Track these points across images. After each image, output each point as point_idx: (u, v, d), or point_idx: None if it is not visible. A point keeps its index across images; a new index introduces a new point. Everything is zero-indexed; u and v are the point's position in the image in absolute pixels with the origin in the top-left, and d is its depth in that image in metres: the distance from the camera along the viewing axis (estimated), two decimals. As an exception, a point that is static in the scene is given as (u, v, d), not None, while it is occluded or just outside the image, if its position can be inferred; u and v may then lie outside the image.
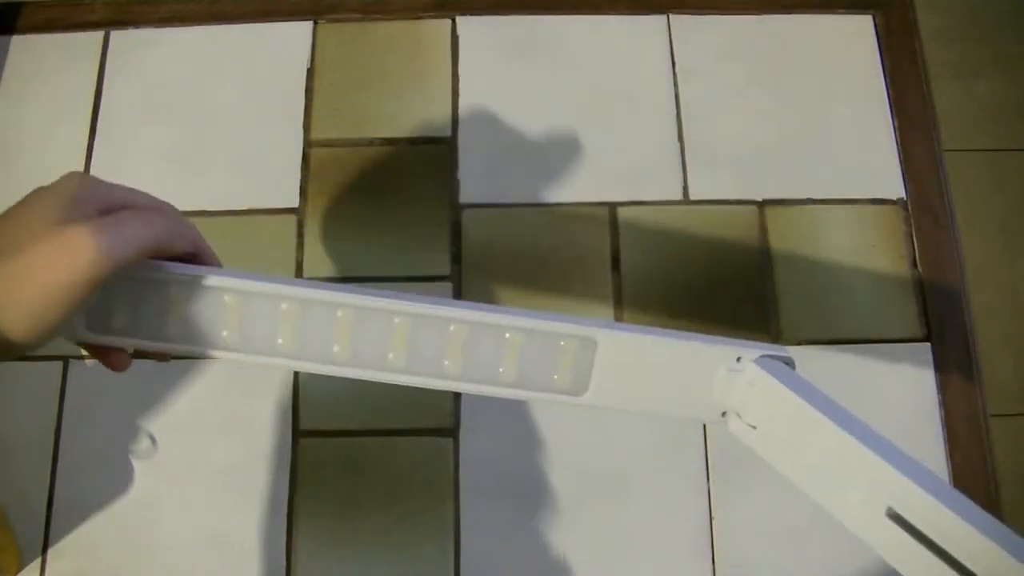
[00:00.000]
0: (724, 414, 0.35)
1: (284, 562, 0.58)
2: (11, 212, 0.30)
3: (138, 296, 0.34)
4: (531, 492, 0.60)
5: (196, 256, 0.35)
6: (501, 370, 0.35)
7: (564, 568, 0.58)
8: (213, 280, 0.34)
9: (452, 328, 0.35)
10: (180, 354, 0.35)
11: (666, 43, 0.70)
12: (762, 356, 0.34)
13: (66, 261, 0.29)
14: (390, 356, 0.35)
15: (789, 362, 0.34)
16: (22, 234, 0.29)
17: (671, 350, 0.35)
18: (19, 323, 0.29)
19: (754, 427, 0.34)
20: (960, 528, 0.26)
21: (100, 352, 0.36)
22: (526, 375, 0.36)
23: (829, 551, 0.58)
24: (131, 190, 0.33)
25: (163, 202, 0.33)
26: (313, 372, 0.35)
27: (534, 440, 0.61)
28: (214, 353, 0.35)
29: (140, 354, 0.36)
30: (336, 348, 0.35)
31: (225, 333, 0.35)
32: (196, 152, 0.67)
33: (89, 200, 0.31)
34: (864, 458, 0.29)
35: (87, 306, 0.31)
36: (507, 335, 0.35)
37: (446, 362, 0.35)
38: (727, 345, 0.34)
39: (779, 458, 0.33)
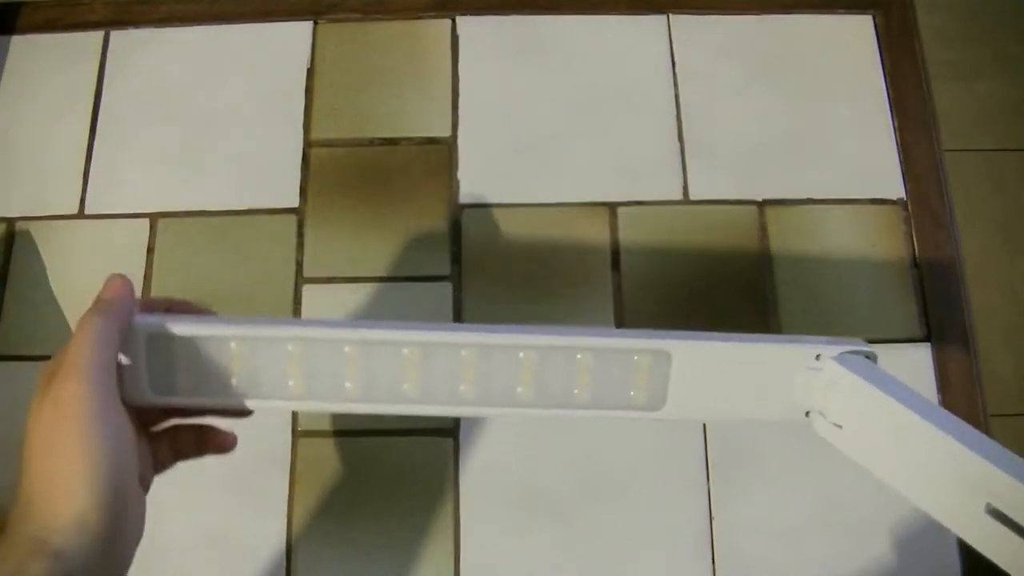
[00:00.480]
0: (808, 414, 0.35)
1: (284, 562, 0.58)
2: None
3: (203, 354, 0.34)
4: (531, 492, 0.60)
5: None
6: (576, 392, 0.35)
7: (564, 568, 0.58)
8: (278, 331, 0.34)
9: (522, 355, 0.34)
10: (247, 408, 0.36)
11: (666, 43, 0.70)
12: (842, 352, 0.33)
13: (63, 415, 0.30)
14: (462, 388, 0.35)
15: (871, 356, 0.33)
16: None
17: (747, 354, 0.34)
18: (71, 490, 0.29)
19: (840, 426, 0.33)
20: None
21: (208, 438, 0.38)
22: (601, 395, 0.35)
23: (829, 551, 0.58)
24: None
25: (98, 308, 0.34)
26: (397, 413, 0.35)
27: (534, 440, 0.61)
28: (282, 405, 0.35)
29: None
30: (405, 386, 0.35)
31: (291, 383, 0.35)
32: (196, 152, 0.67)
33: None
34: (959, 454, 0.28)
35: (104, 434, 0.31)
36: (578, 356, 0.34)
37: (519, 390, 0.35)
38: (805, 344, 0.34)
39: (868, 457, 0.32)
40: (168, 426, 0.39)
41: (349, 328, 0.34)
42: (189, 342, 0.34)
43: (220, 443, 0.39)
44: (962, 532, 0.29)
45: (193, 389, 0.35)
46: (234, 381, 0.35)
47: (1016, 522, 0.27)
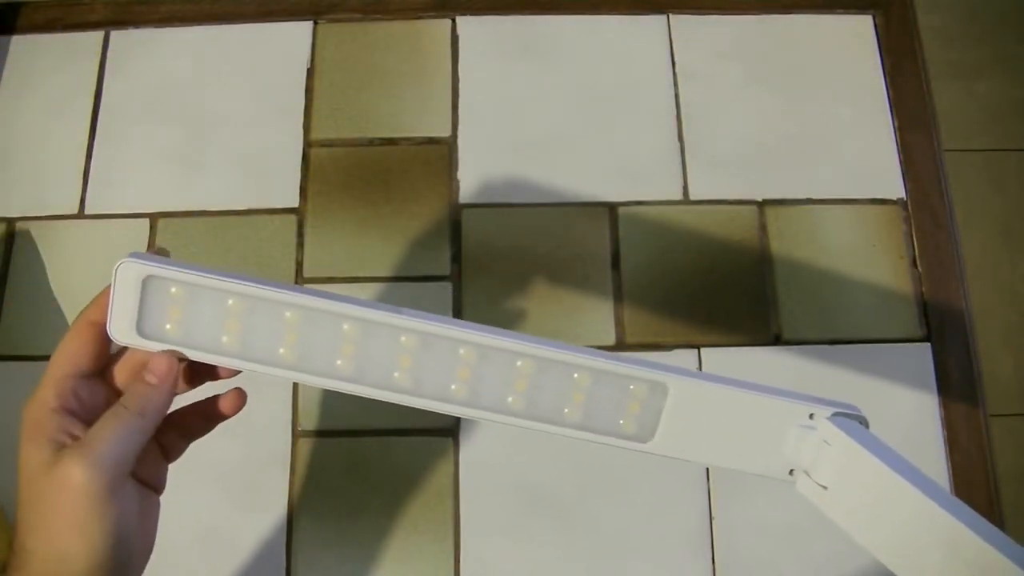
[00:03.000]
0: (792, 472, 0.34)
1: (284, 562, 0.58)
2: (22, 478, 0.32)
3: (197, 306, 0.34)
4: (531, 492, 0.60)
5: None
6: (566, 411, 0.34)
7: (564, 568, 0.58)
8: (278, 295, 0.33)
9: (519, 363, 0.34)
10: (233, 368, 0.35)
11: (666, 43, 0.70)
12: (835, 414, 0.33)
13: (68, 499, 0.30)
14: (453, 388, 0.34)
15: (863, 421, 0.33)
16: (33, 497, 0.31)
17: (742, 402, 0.34)
18: (80, 540, 0.30)
19: (824, 487, 0.33)
20: None
21: (214, 408, 0.38)
22: (592, 418, 0.35)
23: (829, 551, 0.58)
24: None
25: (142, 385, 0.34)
26: (383, 400, 0.35)
27: (534, 440, 0.61)
28: (268, 371, 0.34)
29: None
30: (396, 374, 0.34)
31: (282, 351, 0.34)
32: (196, 152, 0.67)
33: (48, 422, 0.32)
34: (944, 523, 0.28)
35: (121, 496, 0.31)
36: (575, 375, 0.34)
37: (510, 399, 0.34)
38: (800, 401, 0.33)
39: (850, 520, 0.32)
40: (169, 414, 0.39)
41: (351, 305, 0.34)
42: (186, 290, 0.33)
43: (229, 407, 0.38)
44: None
45: (181, 339, 0.34)
46: (224, 338, 0.34)
47: None
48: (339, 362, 0.34)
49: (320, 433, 0.61)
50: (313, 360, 0.34)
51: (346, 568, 0.58)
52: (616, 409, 0.35)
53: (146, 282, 0.33)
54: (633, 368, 0.34)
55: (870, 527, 0.32)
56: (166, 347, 0.34)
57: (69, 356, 0.33)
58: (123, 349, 0.35)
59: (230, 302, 0.33)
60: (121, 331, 0.34)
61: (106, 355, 0.35)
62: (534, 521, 0.59)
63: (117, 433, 0.31)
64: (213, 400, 0.38)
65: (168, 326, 0.34)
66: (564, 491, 0.60)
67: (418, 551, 0.58)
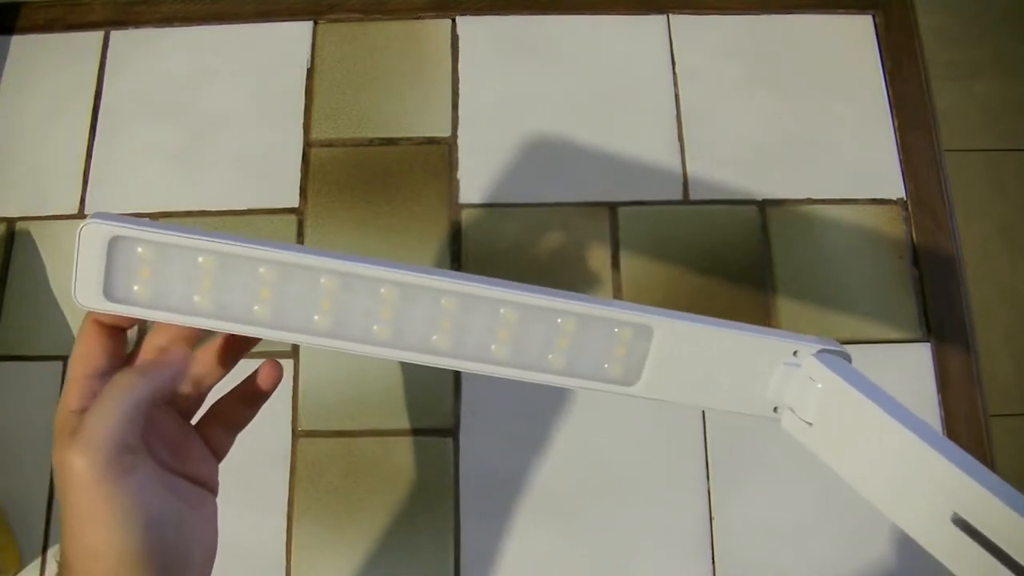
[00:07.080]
0: (776, 409, 0.34)
1: (284, 562, 0.58)
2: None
3: (166, 265, 0.32)
4: (531, 492, 0.60)
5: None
6: (550, 357, 0.34)
7: (563, 568, 0.58)
8: (250, 252, 0.32)
9: (502, 311, 0.33)
10: (208, 328, 0.33)
11: (666, 43, 0.70)
12: (821, 351, 0.33)
13: (75, 491, 0.29)
14: (434, 339, 0.33)
15: (847, 357, 0.33)
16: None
17: (727, 341, 0.34)
18: (102, 532, 0.29)
19: (810, 424, 0.33)
20: None
21: (253, 388, 0.37)
22: (576, 363, 0.34)
23: (829, 551, 0.59)
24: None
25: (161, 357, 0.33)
26: (361, 354, 0.33)
27: (534, 440, 0.61)
28: (246, 329, 0.33)
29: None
30: (376, 327, 0.33)
31: (256, 308, 0.33)
32: (196, 152, 0.67)
33: (69, 423, 0.31)
34: (929, 460, 0.28)
35: (135, 469, 0.30)
36: (559, 320, 0.33)
37: (493, 347, 0.34)
38: (784, 338, 0.33)
39: (835, 457, 0.32)
40: (209, 408, 0.38)
41: (328, 258, 0.32)
42: (153, 249, 0.32)
43: (264, 379, 0.37)
44: (924, 540, 0.28)
45: (151, 300, 0.33)
46: (196, 298, 0.32)
47: (980, 532, 0.26)
48: (316, 318, 0.33)
49: (320, 433, 0.61)
50: (291, 317, 0.33)
51: (346, 568, 0.58)
52: (601, 353, 0.34)
53: (112, 243, 0.32)
54: (618, 311, 0.33)
55: (855, 463, 0.31)
56: (134, 310, 0.33)
57: (82, 357, 0.33)
58: (140, 339, 0.34)
59: (200, 260, 0.32)
60: (87, 296, 0.32)
61: (121, 350, 0.34)
62: (534, 521, 0.59)
63: (105, 410, 0.30)
64: (249, 379, 0.37)
65: (136, 287, 0.32)
66: (564, 491, 0.60)
67: (418, 551, 0.58)
